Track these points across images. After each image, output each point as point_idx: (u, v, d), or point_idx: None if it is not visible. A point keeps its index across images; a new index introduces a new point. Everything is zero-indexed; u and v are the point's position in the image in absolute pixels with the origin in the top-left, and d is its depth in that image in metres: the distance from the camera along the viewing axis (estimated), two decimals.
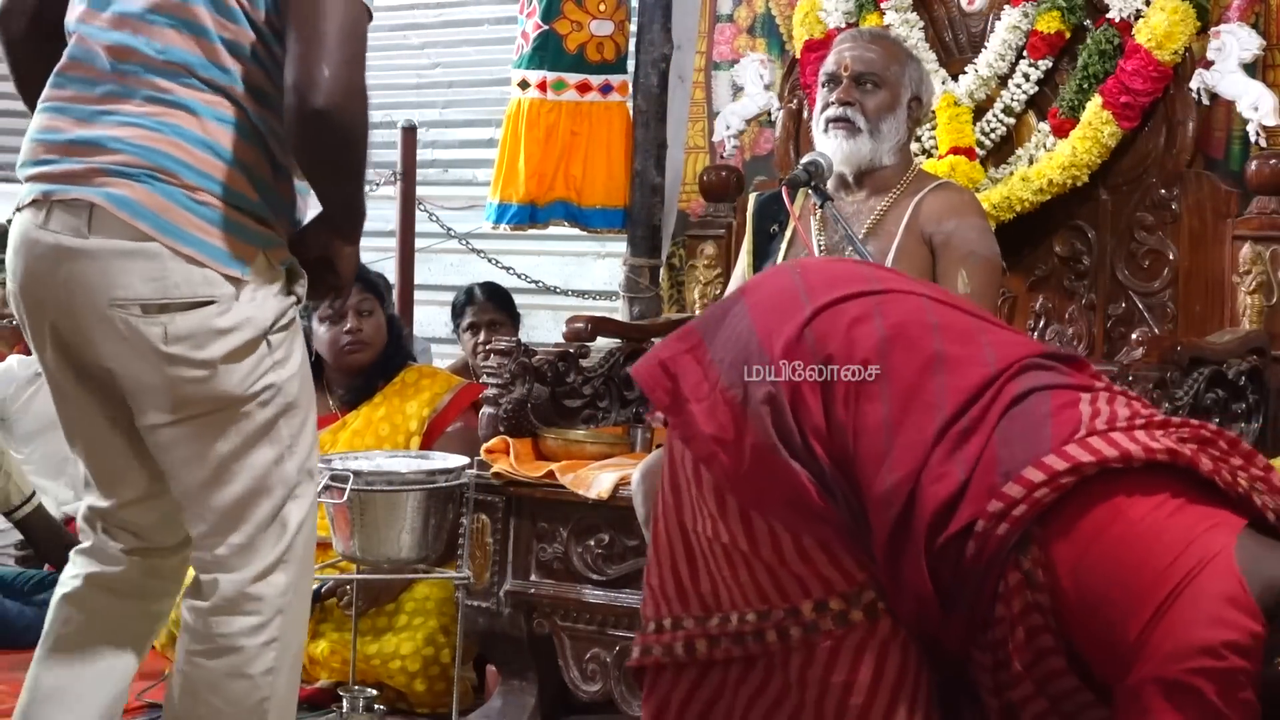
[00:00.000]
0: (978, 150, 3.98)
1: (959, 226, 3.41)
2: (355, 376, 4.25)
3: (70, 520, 4.59)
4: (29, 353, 5.08)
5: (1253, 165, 3.68)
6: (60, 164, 2.45)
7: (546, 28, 4.37)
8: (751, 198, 3.82)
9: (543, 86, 4.39)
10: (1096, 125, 3.80)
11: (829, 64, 3.55)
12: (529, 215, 4.42)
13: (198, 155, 2.43)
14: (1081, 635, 2.06)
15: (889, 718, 2.14)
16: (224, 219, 2.43)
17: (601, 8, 4.40)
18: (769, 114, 4.41)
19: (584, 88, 4.40)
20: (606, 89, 4.42)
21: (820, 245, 3.49)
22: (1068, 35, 3.93)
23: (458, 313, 5.10)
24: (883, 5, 4.14)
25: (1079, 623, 2.05)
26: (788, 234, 3.55)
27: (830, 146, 3.47)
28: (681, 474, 2.25)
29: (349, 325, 4.18)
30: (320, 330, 4.19)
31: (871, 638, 2.15)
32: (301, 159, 2.48)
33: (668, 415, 2.26)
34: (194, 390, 2.44)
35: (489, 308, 5.02)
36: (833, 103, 3.49)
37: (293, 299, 2.54)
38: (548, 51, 4.38)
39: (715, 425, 2.19)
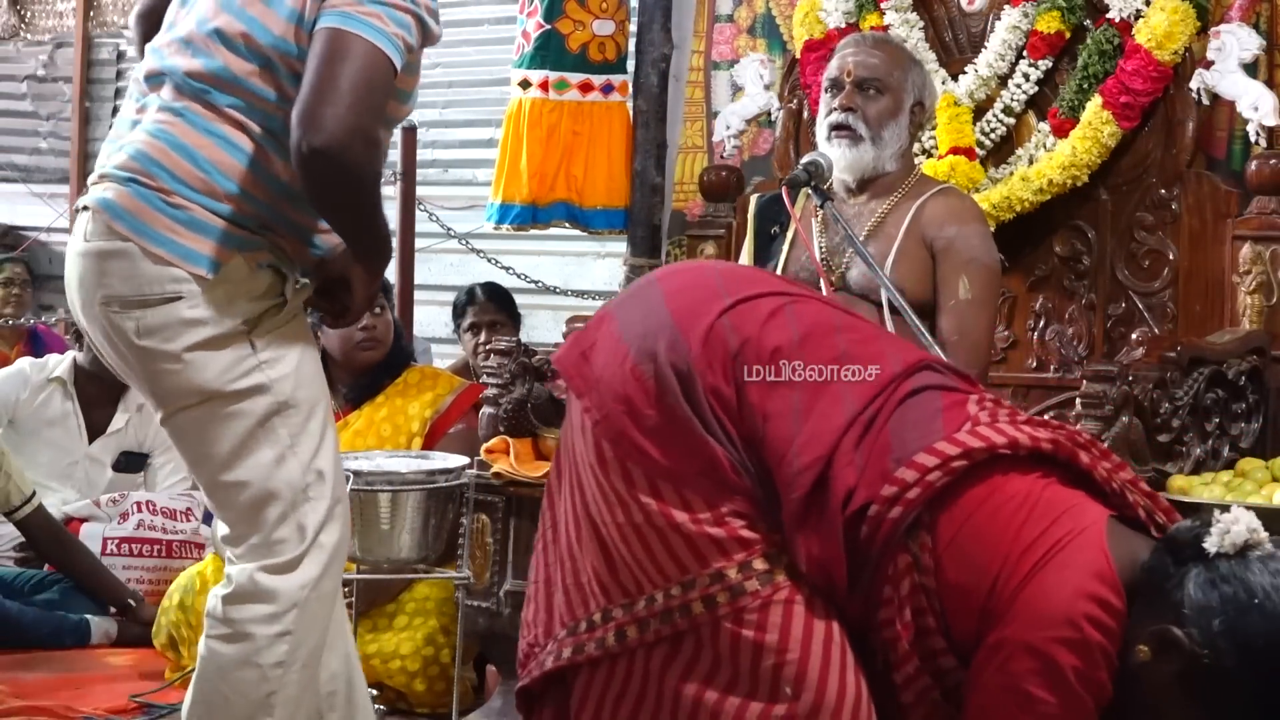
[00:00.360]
0: (978, 150, 3.98)
1: (960, 233, 3.42)
2: (362, 375, 4.24)
3: (70, 520, 4.59)
4: (37, 355, 5.12)
5: (1253, 165, 3.68)
6: (99, 172, 2.60)
7: (549, 27, 4.36)
8: (753, 199, 3.82)
9: (544, 86, 4.38)
10: (1096, 125, 3.80)
11: (832, 69, 3.54)
12: (531, 216, 4.42)
13: (177, 160, 2.52)
14: (955, 602, 2.12)
15: (825, 671, 2.16)
16: (196, 221, 2.51)
17: (603, 7, 4.39)
18: (769, 114, 4.41)
19: (586, 87, 4.40)
20: (608, 89, 4.42)
21: (821, 246, 3.49)
22: (1068, 35, 3.93)
23: (459, 313, 5.10)
24: (883, 5, 4.14)
25: (952, 591, 2.12)
26: (789, 235, 3.55)
27: (834, 154, 3.47)
28: (584, 466, 2.29)
29: (364, 323, 4.16)
30: (330, 328, 4.18)
31: (798, 594, 2.18)
32: (308, 195, 2.53)
33: (583, 400, 2.29)
34: (171, 383, 2.52)
35: (490, 308, 5.03)
36: (835, 109, 3.49)
37: (277, 302, 2.57)
38: (550, 51, 4.38)
39: (624, 402, 2.23)
